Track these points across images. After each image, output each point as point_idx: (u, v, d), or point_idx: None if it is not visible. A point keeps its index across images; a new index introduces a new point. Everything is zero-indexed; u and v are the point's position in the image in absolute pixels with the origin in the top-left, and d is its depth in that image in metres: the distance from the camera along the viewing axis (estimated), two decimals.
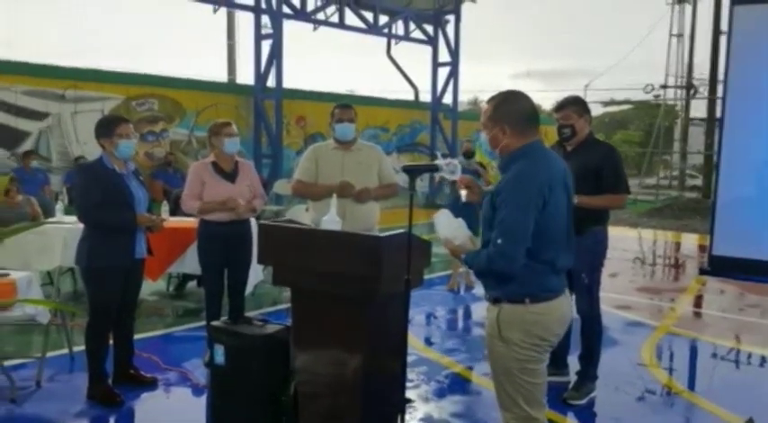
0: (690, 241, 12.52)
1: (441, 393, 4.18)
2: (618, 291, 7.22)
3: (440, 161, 2.72)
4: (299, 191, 4.35)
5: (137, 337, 4.37)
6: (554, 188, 2.34)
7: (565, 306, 2.47)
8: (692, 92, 25.19)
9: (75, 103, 11.33)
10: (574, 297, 3.69)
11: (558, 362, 4.05)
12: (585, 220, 3.66)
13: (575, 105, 3.92)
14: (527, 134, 2.41)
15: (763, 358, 5.12)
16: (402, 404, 2.86)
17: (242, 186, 4.40)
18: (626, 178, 3.94)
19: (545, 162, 2.40)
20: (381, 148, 4.51)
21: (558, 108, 3.97)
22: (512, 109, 2.43)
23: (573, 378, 4.13)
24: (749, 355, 5.19)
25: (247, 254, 4.49)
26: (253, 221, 4.60)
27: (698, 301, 7.46)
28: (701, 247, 10.90)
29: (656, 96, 25.65)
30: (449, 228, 2.53)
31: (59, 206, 6.39)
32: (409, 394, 3.99)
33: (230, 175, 4.40)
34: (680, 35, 25.24)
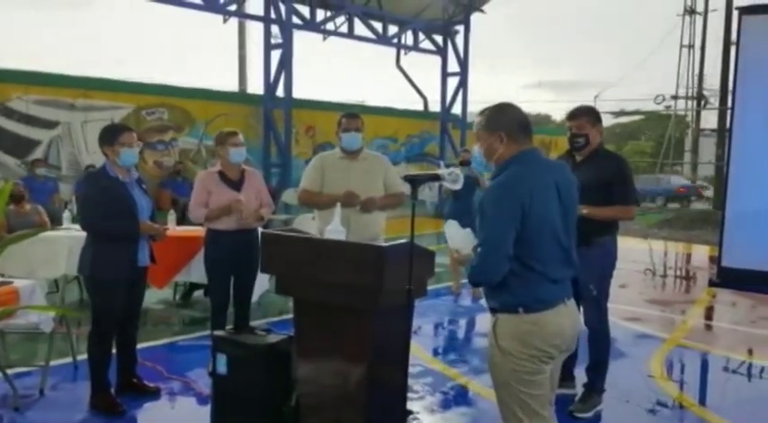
0: (700, 252, 12.39)
1: (446, 405, 4.13)
2: (627, 302, 7.13)
3: (442, 170, 2.70)
4: (304, 200, 4.33)
5: (141, 346, 4.36)
6: (539, 196, 2.31)
7: (564, 317, 2.41)
8: (702, 102, 25.09)
9: (86, 113, 11.39)
10: (581, 308, 3.66)
11: (564, 373, 3.97)
12: (594, 231, 3.62)
13: (589, 115, 3.87)
14: (521, 142, 2.44)
15: None
16: (404, 416, 2.83)
17: (248, 194, 4.39)
18: (635, 190, 3.90)
19: (534, 170, 2.39)
20: (389, 159, 4.49)
21: (571, 116, 3.91)
22: (507, 117, 2.47)
23: (580, 390, 4.06)
24: (762, 370, 5.08)
25: (254, 263, 4.44)
26: (260, 230, 4.59)
27: (709, 314, 7.36)
28: (712, 259, 10.77)
29: (667, 107, 25.54)
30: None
31: (67, 215, 6.42)
32: (414, 406, 3.95)
33: (236, 184, 4.40)
34: (691, 46, 25.17)
